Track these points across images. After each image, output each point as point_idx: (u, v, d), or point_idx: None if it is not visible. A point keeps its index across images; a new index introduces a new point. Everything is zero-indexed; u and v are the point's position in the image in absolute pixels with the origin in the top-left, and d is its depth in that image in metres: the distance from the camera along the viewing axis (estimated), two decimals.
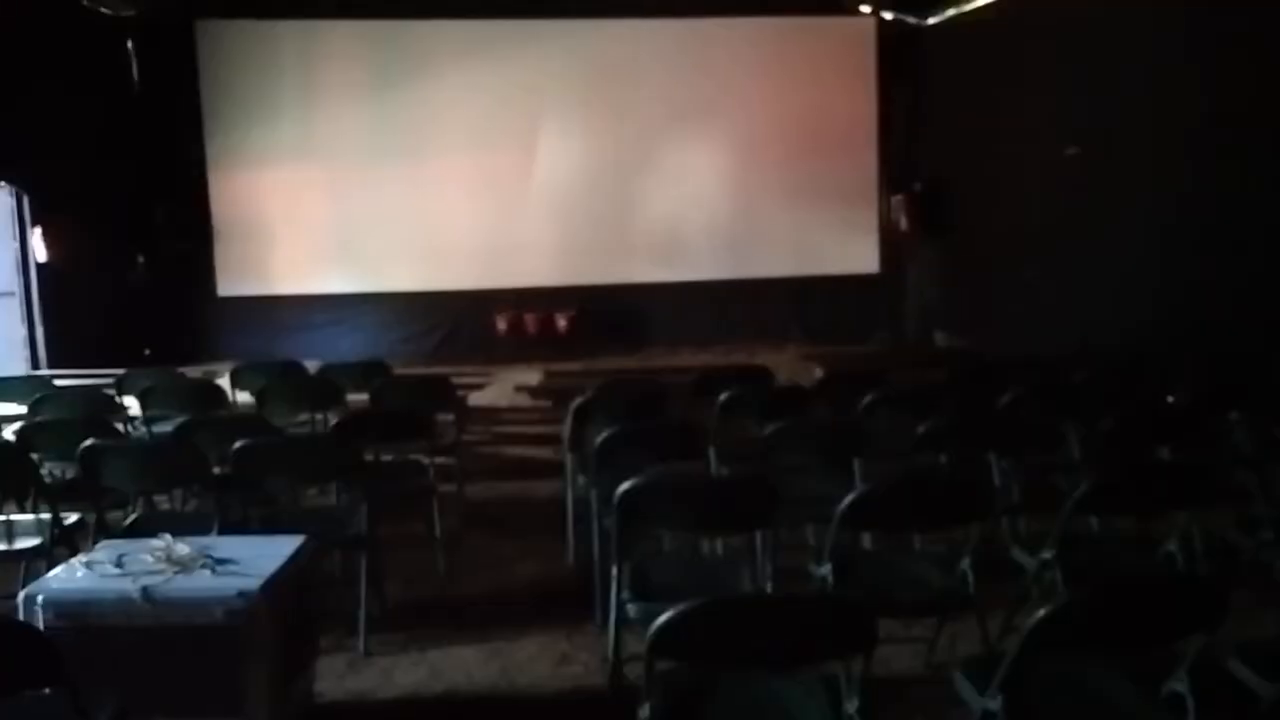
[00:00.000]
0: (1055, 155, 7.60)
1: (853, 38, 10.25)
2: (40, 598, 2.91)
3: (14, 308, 8.36)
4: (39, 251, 8.35)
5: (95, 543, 3.57)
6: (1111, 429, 4.12)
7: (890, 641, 3.62)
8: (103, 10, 9.22)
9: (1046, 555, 3.26)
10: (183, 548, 3.15)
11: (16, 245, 8.32)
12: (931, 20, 9.82)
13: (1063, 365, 6.03)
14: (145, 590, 2.91)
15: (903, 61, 10.08)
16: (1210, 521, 3.59)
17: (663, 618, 2.13)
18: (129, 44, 9.60)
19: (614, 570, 3.23)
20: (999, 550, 3.56)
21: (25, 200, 8.32)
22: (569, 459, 5.02)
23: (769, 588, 3.19)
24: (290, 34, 9.88)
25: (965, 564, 3.16)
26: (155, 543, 3.19)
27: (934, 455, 4.16)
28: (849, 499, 3.03)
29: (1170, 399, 4.88)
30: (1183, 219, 6.39)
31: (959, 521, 3.25)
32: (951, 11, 9.46)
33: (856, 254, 10.34)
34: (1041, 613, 2.17)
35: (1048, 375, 5.67)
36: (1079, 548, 3.40)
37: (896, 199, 10.08)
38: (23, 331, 8.39)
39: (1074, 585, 3.11)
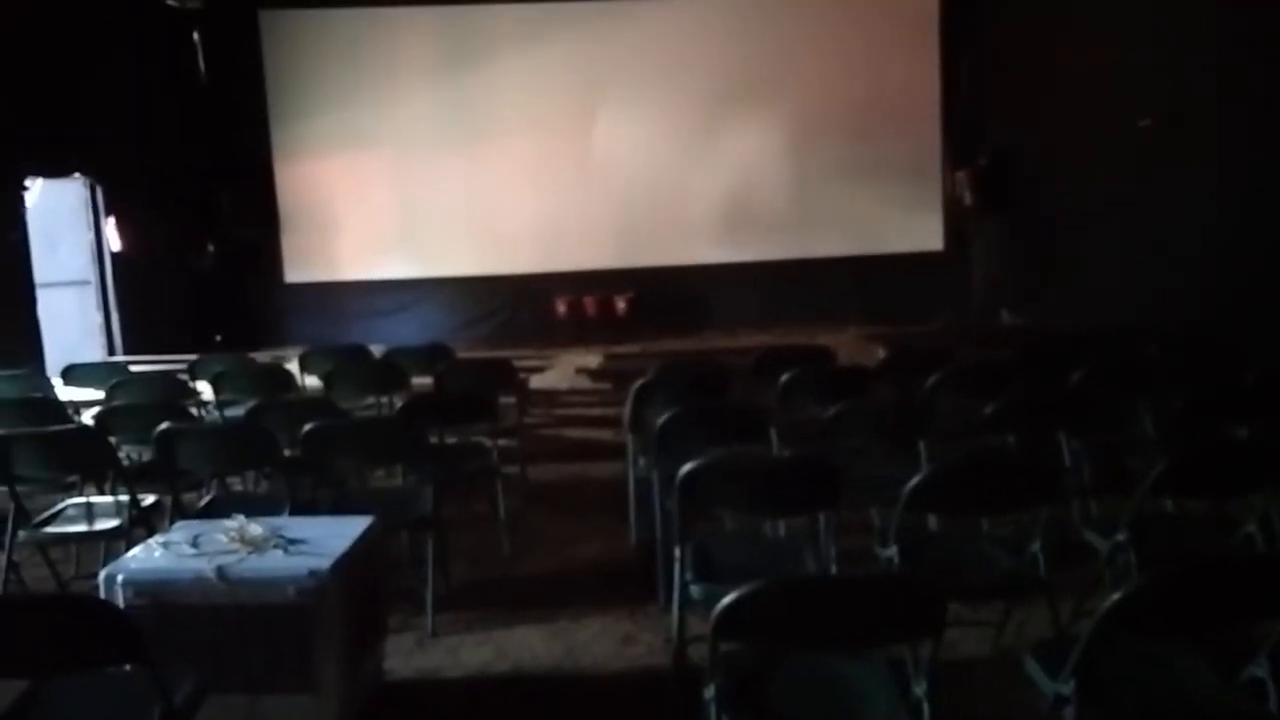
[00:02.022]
0: (1124, 127, 7.38)
1: (915, 8, 10.04)
2: (120, 577, 2.99)
3: (90, 296, 8.62)
4: (113, 241, 8.58)
5: (171, 523, 3.67)
6: (1185, 408, 4.00)
7: (958, 624, 3.58)
8: (169, 2, 9.40)
9: (1120, 538, 3.19)
10: (255, 528, 3.22)
11: (91, 235, 8.57)
12: None
13: (1133, 342, 5.87)
14: (220, 569, 2.98)
15: (966, 32, 9.85)
16: None
17: (727, 599, 2.12)
18: (195, 35, 9.78)
19: (676, 551, 3.23)
20: (1070, 533, 3.49)
21: (99, 191, 8.55)
22: (630, 440, 5.02)
23: (833, 569, 3.16)
24: (351, 21, 9.99)
25: (1035, 546, 3.11)
26: (229, 523, 3.27)
27: (1001, 436, 4.08)
28: (915, 481, 2.98)
29: (1245, 376, 4.72)
30: (1256, 191, 6.16)
31: (1028, 504, 3.19)
32: None
33: (920, 231, 10.17)
34: (1116, 595, 2.12)
35: (1118, 352, 5.52)
36: (1154, 530, 3.32)
37: (960, 174, 9.88)
38: (99, 319, 8.64)
39: (1149, 568, 3.04)
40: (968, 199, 9.79)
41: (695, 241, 10.11)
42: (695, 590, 3.08)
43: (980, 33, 9.73)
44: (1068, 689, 2.22)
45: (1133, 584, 2.19)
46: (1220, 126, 6.43)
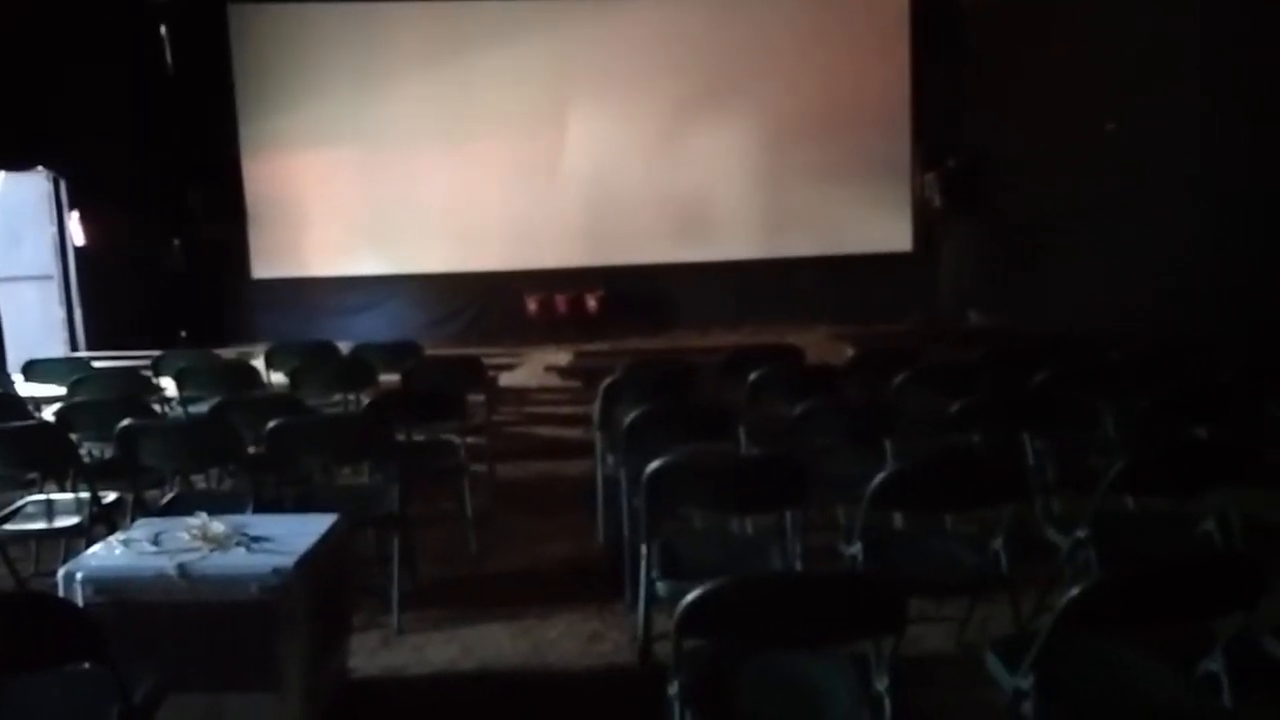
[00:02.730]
0: (1092, 131, 7.47)
1: (886, 11, 10.10)
2: (79, 575, 2.95)
3: (52, 291, 8.51)
4: (76, 235, 8.47)
5: (133, 521, 3.63)
6: (1148, 408, 4.06)
7: (921, 621, 3.61)
8: None
9: (1080, 535, 3.23)
10: (218, 526, 3.19)
11: (54, 229, 8.45)
12: None
13: (1099, 344, 5.94)
14: (181, 567, 2.95)
15: (937, 36, 9.92)
16: (1248, 502, 3.53)
17: (691, 596, 2.13)
18: (162, 29, 9.68)
19: (643, 549, 3.24)
20: (1033, 530, 3.53)
21: (62, 185, 8.44)
22: (599, 438, 5.03)
23: (798, 567, 3.18)
24: (321, 16, 9.91)
25: (998, 544, 3.14)
26: (191, 521, 3.23)
27: (967, 435, 4.12)
28: (879, 478, 3.00)
29: (1208, 377, 4.79)
30: (1222, 196, 6.26)
31: (992, 501, 3.22)
32: None
33: (889, 232, 10.23)
34: (1074, 591, 2.14)
35: (1083, 354, 5.59)
36: (1113, 527, 3.36)
37: (930, 176, 9.95)
38: (61, 314, 8.52)
39: (1108, 565, 3.08)
40: (937, 201, 9.87)
41: (666, 240, 10.12)
42: (661, 587, 3.09)
43: (951, 35, 9.81)
44: (1026, 684, 2.25)
45: (1091, 580, 2.22)
46: (1191, 132, 6.51)
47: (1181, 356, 5.47)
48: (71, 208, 8.45)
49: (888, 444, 4.10)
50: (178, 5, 9.63)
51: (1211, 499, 3.42)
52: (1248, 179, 6.07)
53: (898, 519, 3.82)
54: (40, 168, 8.24)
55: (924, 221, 10.23)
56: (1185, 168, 6.55)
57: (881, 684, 2.27)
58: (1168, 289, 6.74)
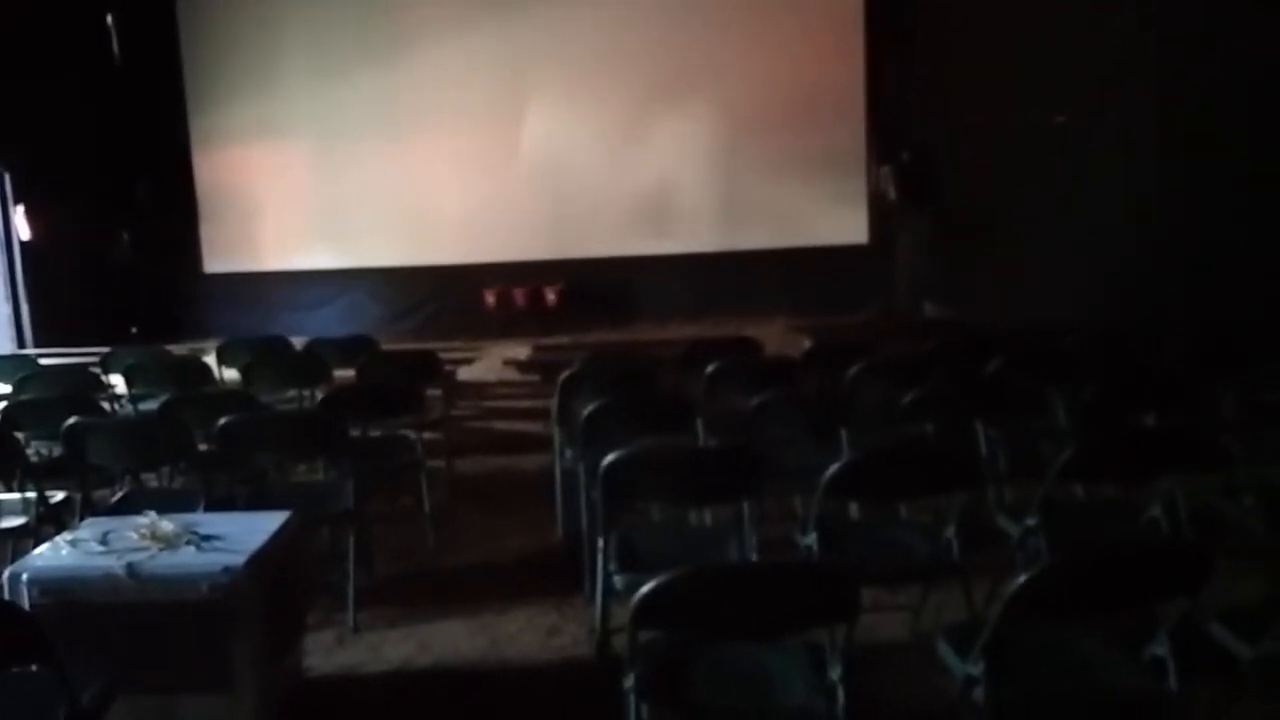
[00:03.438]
0: (1043, 123, 7.57)
1: (840, 5, 10.16)
2: (25, 576, 2.90)
3: None
4: (22, 230, 8.29)
5: (81, 521, 3.56)
6: (1096, 396, 4.13)
7: (876, 610, 3.64)
8: None
9: (1030, 522, 3.28)
10: (167, 524, 3.15)
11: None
12: None
13: (1050, 334, 6.03)
14: (130, 567, 2.90)
15: (891, 30, 9.97)
16: (1195, 488, 3.61)
17: (646, 588, 2.14)
18: (109, 19, 9.48)
19: (600, 542, 3.24)
20: (985, 518, 3.58)
21: (6, 179, 8.25)
22: (557, 432, 5.02)
23: (754, 558, 3.19)
24: (273, 7, 9.76)
25: (950, 532, 3.18)
26: (140, 520, 3.18)
27: (920, 424, 4.16)
28: (834, 468, 3.03)
29: (1156, 366, 4.89)
30: (1170, 187, 6.39)
31: (945, 490, 3.26)
32: None
33: (845, 225, 10.29)
34: (1023, 578, 2.18)
35: (1035, 344, 5.67)
36: (1063, 514, 3.42)
37: (884, 169, 10.02)
38: (7, 310, 8.34)
39: (1057, 552, 3.13)
40: (891, 194, 9.94)
41: (625, 233, 10.09)
42: (618, 580, 3.09)
43: (905, 29, 9.88)
44: (977, 670, 2.28)
45: (1039, 567, 2.25)
46: (1138, 123, 6.62)
47: (1129, 343, 5.58)
48: (16, 201, 8.27)
49: (843, 434, 4.13)
50: None
51: (1159, 486, 3.48)
52: (1193, 171, 6.19)
53: (854, 509, 3.86)
54: None
55: (879, 214, 10.30)
56: (1134, 159, 6.66)
57: (836, 673, 2.30)
58: (1116, 279, 6.87)
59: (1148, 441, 3.62)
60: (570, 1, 9.90)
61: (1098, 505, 3.78)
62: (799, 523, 3.37)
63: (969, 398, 4.33)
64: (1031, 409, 4.32)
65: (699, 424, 4.30)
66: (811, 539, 3.14)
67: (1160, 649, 2.37)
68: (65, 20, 8.85)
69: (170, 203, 9.64)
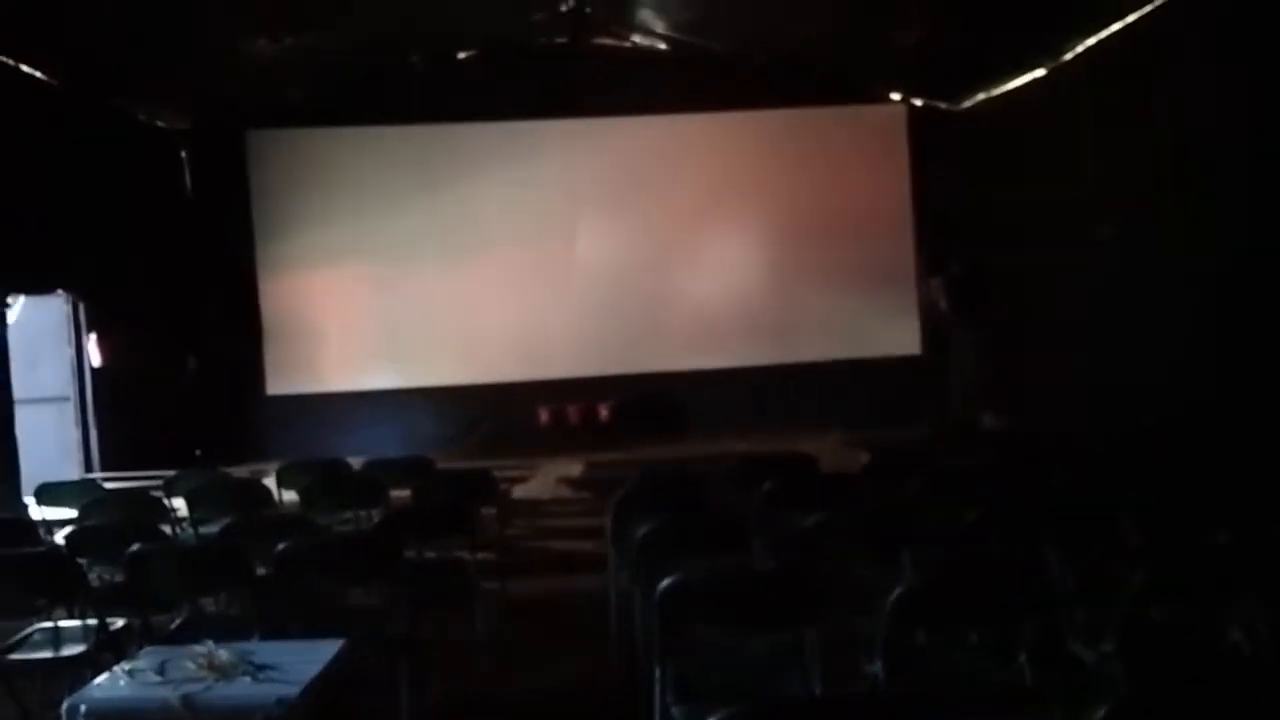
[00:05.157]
0: (1090, 234, 7.58)
1: (884, 123, 10.38)
2: (83, 708, 2.90)
3: (69, 412, 8.55)
4: (94, 356, 8.56)
5: (140, 647, 3.57)
6: (1166, 512, 3.99)
7: None
8: (158, 124, 9.63)
9: (1107, 648, 3.14)
10: (224, 654, 3.14)
11: (72, 351, 8.55)
12: (963, 105, 9.92)
13: (1112, 445, 5.89)
14: (185, 699, 2.89)
15: (935, 145, 10.15)
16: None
17: None
18: (182, 154, 9.98)
19: (656, 671, 3.16)
20: (1057, 643, 3.43)
21: (81, 308, 8.56)
22: (611, 554, 4.96)
23: (818, 689, 3.09)
24: (336, 140, 10.23)
25: (1023, 657, 3.06)
26: (197, 649, 3.18)
27: (984, 543, 4.05)
28: (898, 591, 2.95)
29: (1224, 474, 4.73)
30: (1224, 291, 6.31)
31: (1014, 614, 3.15)
32: (981, 96, 9.56)
33: (897, 336, 10.29)
34: (1100, 712, 2.07)
35: (1097, 456, 5.53)
36: (1140, 638, 3.27)
37: (935, 281, 10.05)
38: (76, 434, 8.55)
39: (1136, 678, 2.99)
40: (943, 304, 9.95)
41: (677, 348, 10.19)
42: (676, 713, 3.00)
43: (949, 145, 10.03)
44: None
45: (1119, 698, 2.15)
46: (1189, 228, 6.59)
47: (1194, 455, 5.41)
48: (90, 329, 8.57)
49: (905, 554, 4.02)
50: (197, 130, 9.95)
51: (1239, 606, 3.33)
52: (1245, 271, 6.12)
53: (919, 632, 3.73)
54: (59, 291, 8.38)
55: (931, 325, 10.28)
56: (1182, 265, 6.61)
57: None
58: (1176, 387, 6.73)
59: (1222, 559, 3.47)
60: (619, 128, 10.24)
61: (1175, 628, 3.61)
62: (864, 649, 3.26)
63: (1033, 514, 4.21)
64: (1098, 524, 4.19)
65: (755, 544, 4.22)
66: (878, 667, 3.03)
67: None
68: (140, 156, 9.34)
69: (236, 327, 9.95)
